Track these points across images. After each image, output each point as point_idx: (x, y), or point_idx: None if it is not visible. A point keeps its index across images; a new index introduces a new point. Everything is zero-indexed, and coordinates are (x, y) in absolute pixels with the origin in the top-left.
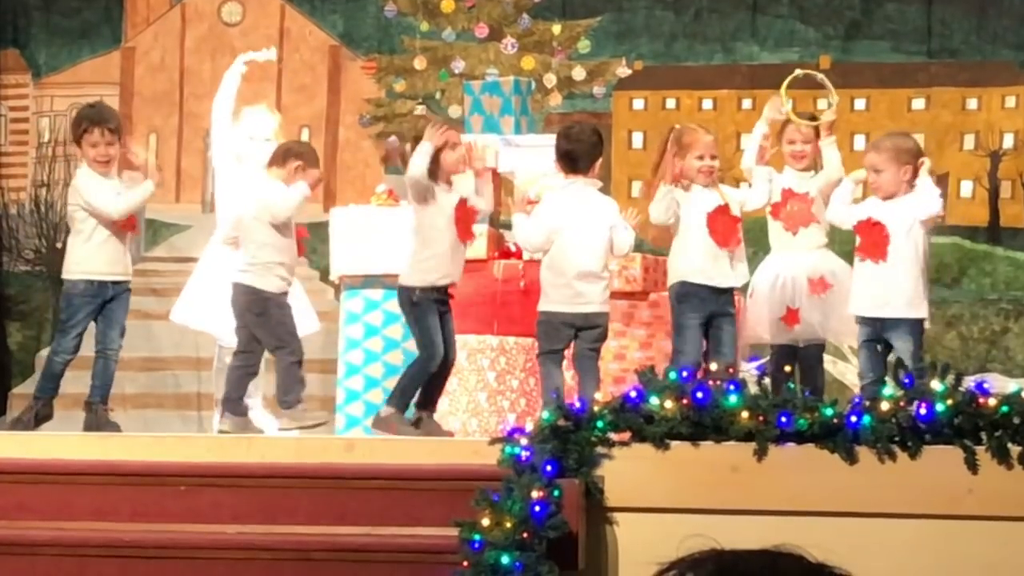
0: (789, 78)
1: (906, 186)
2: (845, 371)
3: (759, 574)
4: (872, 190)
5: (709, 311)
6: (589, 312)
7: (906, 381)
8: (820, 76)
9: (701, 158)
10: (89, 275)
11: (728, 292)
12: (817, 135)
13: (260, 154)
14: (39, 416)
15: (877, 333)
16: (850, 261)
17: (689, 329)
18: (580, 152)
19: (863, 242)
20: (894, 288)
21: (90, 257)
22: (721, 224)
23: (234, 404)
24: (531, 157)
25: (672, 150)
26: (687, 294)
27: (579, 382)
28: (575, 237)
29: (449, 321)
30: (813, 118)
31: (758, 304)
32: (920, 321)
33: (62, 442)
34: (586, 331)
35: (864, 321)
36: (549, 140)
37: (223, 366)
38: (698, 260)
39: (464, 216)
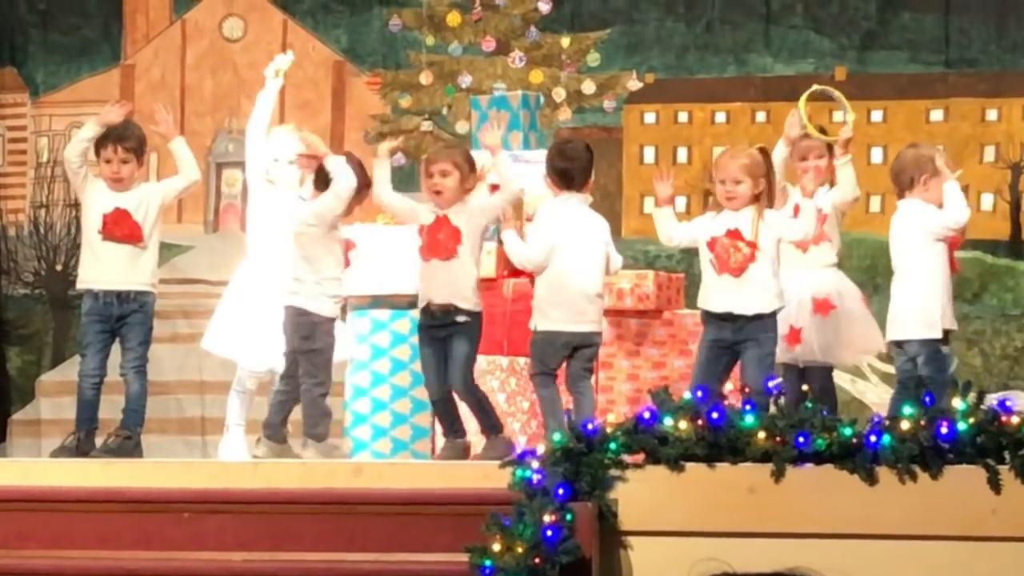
0: (807, 93)
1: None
2: (865, 390)
3: None
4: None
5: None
6: (588, 331)
7: (927, 399)
8: (836, 93)
9: (723, 183)
10: (91, 285)
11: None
12: (831, 152)
13: (287, 176)
14: (79, 448)
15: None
16: (863, 279)
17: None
18: (576, 170)
19: None
20: None
21: (90, 266)
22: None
23: (274, 429)
24: (540, 173)
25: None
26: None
27: (575, 404)
28: (575, 255)
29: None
30: (824, 133)
31: None
32: None
33: (63, 469)
34: (583, 349)
35: None
36: None
37: (243, 389)
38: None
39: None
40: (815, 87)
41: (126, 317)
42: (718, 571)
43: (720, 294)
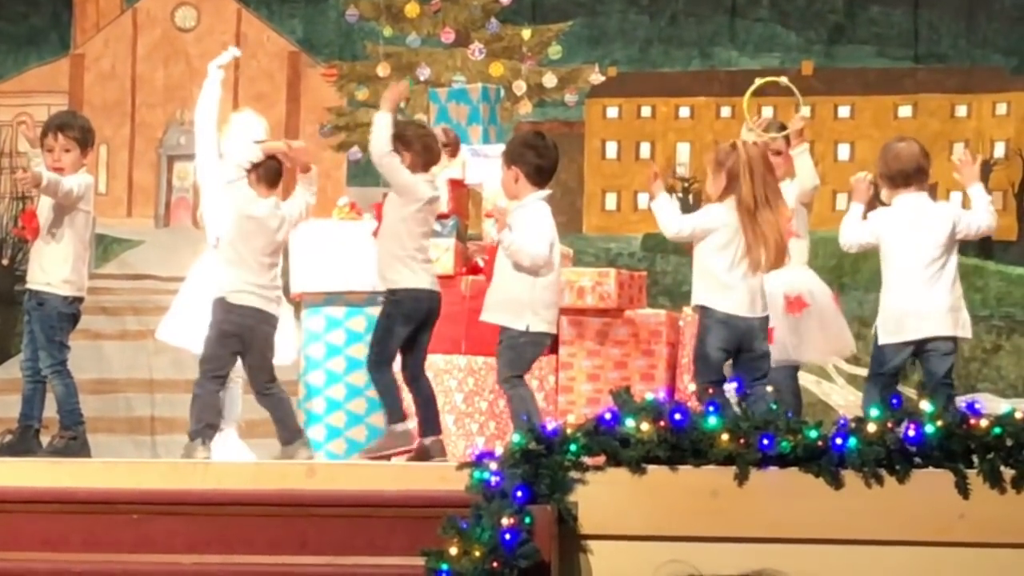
0: (749, 92)
1: None
2: (830, 391)
3: None
4: None
5: None
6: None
7: (894, 401)
8: (783, 80)
9: None
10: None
11: None
12: (788, 144)
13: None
14: (7, 445)
15: None
16: (829, 278)
17: None
18: (551, 165)
19: None
20: None
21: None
22: None
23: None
24: (497, 167)
25: None
26: None
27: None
28: (558, 253)
29: None
30: (784, 128)
31: None
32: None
33: (8, 469)
34: None
35: None
36: None
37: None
38: None
39: None
40: (758, 81)
41: (30, 315)
42: (684, 574)
43: None
